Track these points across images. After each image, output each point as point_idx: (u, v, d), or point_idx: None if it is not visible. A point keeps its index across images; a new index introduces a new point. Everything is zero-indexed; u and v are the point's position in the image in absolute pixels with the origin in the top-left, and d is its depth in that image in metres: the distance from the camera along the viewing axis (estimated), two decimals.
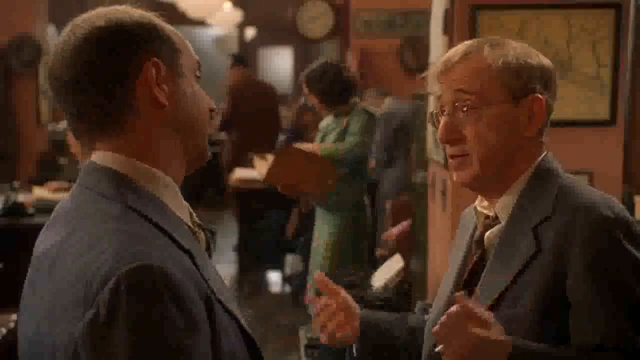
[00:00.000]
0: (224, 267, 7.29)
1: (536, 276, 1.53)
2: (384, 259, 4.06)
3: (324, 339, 1.76)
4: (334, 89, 4.37)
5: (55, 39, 10.42)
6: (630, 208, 3.97)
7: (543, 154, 1.67)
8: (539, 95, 1.63)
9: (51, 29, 9.23)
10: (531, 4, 3.12)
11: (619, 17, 3.08)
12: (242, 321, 1.28)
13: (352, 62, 8.41)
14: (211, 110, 1.37)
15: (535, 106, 1.62)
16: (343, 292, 1.78)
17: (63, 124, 8.42)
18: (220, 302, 1.22)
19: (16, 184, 5.63)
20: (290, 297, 6.51)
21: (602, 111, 3.12)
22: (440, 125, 1.65)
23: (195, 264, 1.21)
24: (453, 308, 1.45)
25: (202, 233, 1.34)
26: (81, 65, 1.24)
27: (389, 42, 7.46)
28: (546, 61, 1.68)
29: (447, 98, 1.64)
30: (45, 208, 5.17)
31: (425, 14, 4.16)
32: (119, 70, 1.24)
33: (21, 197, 5.31)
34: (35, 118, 8.40)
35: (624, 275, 1.50)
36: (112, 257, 1.12)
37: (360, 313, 1.80)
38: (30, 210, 5.19)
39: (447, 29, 3.24)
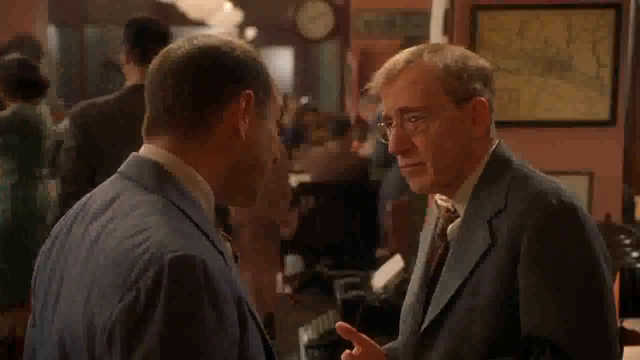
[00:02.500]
0: None
1: (492, 268, 1.56)
2: (384, 259, 4.06)
3: None
4: (14, 84, 4.38)
5: (55, 40, 10.37)
6: (631, 208, 3.97)
7: (495, 145, 1.68)
8: (481, 98, 1.64)
9: (51, 30, 9.23)
10: (531, 4, 3.12)
11: (619, 17, 3.08)
12: (263, 328, 1.31)
13: (352, 62, 8.41)
14: (274, 160, 1.43)
15: (478, 109, 1.63)
16: (365, 337, 1.78)
17: (63, 124, 8.41)
18: (248, 307, 1.25)
19: None
20: (291, 297, 6.50)
21: (602, 111, 3.13)
22: (390, 138, 1.67)
23: (227, 264, 1.25)
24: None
25: (228, 244, 1.37)
26: (185, 73, 1.31)
27: (389, 43, 7.46)
28: (485, 62, 1.70)
29: (393, 110, 1.66)
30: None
31: (426, 14, 4.17)
32: (216, 89, 1.31)
33: None
34: None
35: (565, 265, 1.52)
36: (157, 245, 1.15)
37: (387, 352, 1.81)
38: None
39: (447, 29, 3.24)
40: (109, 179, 1.35)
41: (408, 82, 1.63)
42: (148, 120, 1.35)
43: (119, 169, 1.34)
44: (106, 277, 1.17)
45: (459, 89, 1.62)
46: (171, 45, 1.36)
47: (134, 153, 1.35)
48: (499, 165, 1.65)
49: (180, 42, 1.36)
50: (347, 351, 1.77)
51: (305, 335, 3.27)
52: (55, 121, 8.87)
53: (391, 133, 1.67)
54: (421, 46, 1.70)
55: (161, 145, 1.32)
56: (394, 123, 1.66)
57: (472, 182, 1.66)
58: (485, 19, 3.11)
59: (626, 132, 3.32)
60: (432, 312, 1.64)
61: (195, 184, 1.31)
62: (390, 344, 1.85)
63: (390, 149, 1.67)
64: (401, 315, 1.80)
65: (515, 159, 1.67)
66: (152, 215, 1.21)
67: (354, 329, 1.76)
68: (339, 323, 1.76)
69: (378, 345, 1.79)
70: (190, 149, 1.31)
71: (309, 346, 3.17)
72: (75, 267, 1.25)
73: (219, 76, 1.32)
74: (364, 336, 1.77)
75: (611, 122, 3.13)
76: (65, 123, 7.32)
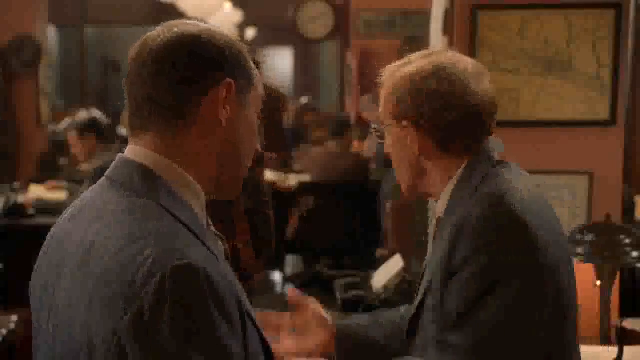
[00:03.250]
0: None
1: (440, 268, 1.60)
2: (384, 259, 4.06)
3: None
4: None
5: (55, 40, 10.37)
6: (631, 208, 3.97)
7: (467, 162, 1.68)
8: (405, 123, 1.67)
9: (51, 30, 9.23)
10: (531, 4, 3.12)
11: (619, 17, 3.08)
12: (261, 328, 1.30)
13: (352, 62, 8.41)
14: (256, 151, 1.41)
15: (408, 132, 1.67)
16: (313, 305, 1.83)
17: (63, 125, 8.42)
18: (245, 308, 1.24)
19: (16, 184, 5.63)
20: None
21: (602, 111, 3.12)
22: None
23: (221, 266, 1.24)
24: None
25: (220, 242, 1.36)
26: (163, 62, 1.28)
27: (389, 42, 7.47)
28: (439, 85, 1.65)
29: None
30: (45, 209, 5.16)
31: (426, 14, 4.16)
32: (195, 78, 1.29)
33: (21, 198, 5.31)
34: (35, 118, 8.40)
35: (477, 272, 1.52)
36: (157, 254, 1.14)
37: (336, 324, 1.84)
38: (30, 211, 5.19)
39: (447, 29, 3.24)
40: (99, 183, 1.33)
41: (384, 94, 1.72)
42: (129, 115, 1.32)
43: (106, 173, 1.32)
44: (105, 289, 1.15)
45: (397, 109, 1.68)
46: (150, 34, 1.33)
47: (120, 155, 1.33)
48: (477, 166, 1.66)
49: (159, 30, 1.32)
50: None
51: None
52: (55, 120, 8.88)
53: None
54: (402, 60, 1.73)
55: (146, 145, 1.30)
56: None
57: (450, 188, 1.68)
58: (485, 18, 3.11)
59: (626, 132, 3.32)
60: (410, 313, 1.73)
61: (184, 184, 1.29)
62: (349, 321, 1.89)
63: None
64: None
65: (496, 158, 1.67)
66: (146, 222, 1.19)
67: (302, 297, 1.82)
68: (289, 289, 1.85)
69: (329, 318, 1.83)
70: (174, 145, 1.29)
71: None
72: (71, 274, 1.22)
73: (199, 65, 1.29)
74: (315, 305, 1.82)
75: (611, 122, 3.13)
76: (66, 123, 7.30)
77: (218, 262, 1.23)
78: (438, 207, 1.70)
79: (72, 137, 5.13)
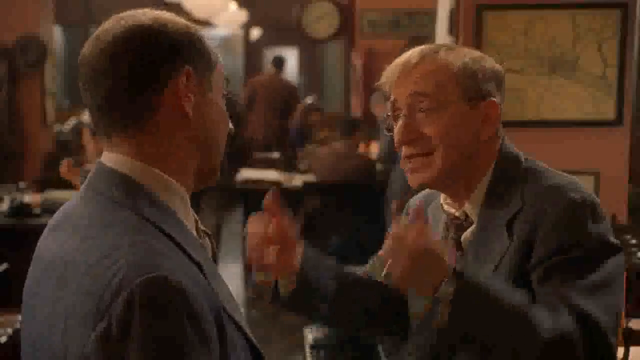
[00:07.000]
0: (230, 267, 7.29)
1: (507, 266, 1.56)
2: None
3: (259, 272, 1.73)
4: None
5: (61, 40, 10.37)
6: (637, 208, 3.96)
7: (500, 144, 1.67)
8: (494, 99, 1.63)
9: (57, 30, 9.24)
10: (537, 3, 3.11)
11: (625, 17, 3.08)
12: (249, 333, 1.27)
13: (357, 62, 8.42)
14: (229, 133, 1.36)
15: (490, 110, 1.63)
16: (287, 219, 1.71)
17: (69, 125, 8.43)
18: (229, 315, 1.20)
19: (22, 184, 5.64)
20: None
21: (608, 111, 3.12)
22: (397, 128, 1.64)
23: (204, 276, 1.19)
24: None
25: (207, 239, 1.33)
26: (117, 57, 1.22)
27: (395, 42, 7.46)
28: (498, 65, 1.69)
29: (402, 101, 1.64)
30: (52, 208, 5.16)
31: (431, 14, 4.16)
32: (152, 71, 1.23)
33: (27, 198, 5.32)
34: (41, 118, 8.41)
35: (591, 257, 1.52)
36: (126, 269, 1.09)
37: (305, 251, 1.78)
38: (37, 211, 5.20)
39: (453, 29, 3.24)
40: (80, 192, 1.27)
41: (423, 73, 1.62)
42: (96, 116, 1.27)
43: (87, 181, 1.27)
44: (78, 306, 1.11)
45: (473, 88, 1.62)
46: (100, 29, 1.26)
47: (100, 162, 1.27)
48: (509, 164, 1.65)
49: (109, 24, 1.26)
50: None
51: (310, 335, 3.27)
52: (60, 120, 8.89)
53: (398, 123, 1.65)
54: (437, 44, 1.70)
55: (119, 150, 1.25)
56: (403, 112, 1.64)
57: (483, 187, 1.65)
58: (490, 18, 3.10)
59: (632, 131, 3.31)
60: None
61: (166, 188, 1.24)
62: (311, 254, 1.80)
63: (397, 138, 1.64)
64: (411, 326, 1.78)
65: (523, 156, 1.67)
66: (122, 235, 1.15)
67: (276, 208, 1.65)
68: (270, 193, 1.63)
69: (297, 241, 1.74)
70: (146, 145, 1.24)
71: (314, 346, 3.17)
72: (49, 291, 1.19)
73: (153, 56, 1.23)
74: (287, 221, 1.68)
75: (617, 121, 3.13)
76: (71, 123, 7.32)
77: (199, 271, 1.17)
78: (468, 210, 1.66)
79: (86, 135, 5.14)
